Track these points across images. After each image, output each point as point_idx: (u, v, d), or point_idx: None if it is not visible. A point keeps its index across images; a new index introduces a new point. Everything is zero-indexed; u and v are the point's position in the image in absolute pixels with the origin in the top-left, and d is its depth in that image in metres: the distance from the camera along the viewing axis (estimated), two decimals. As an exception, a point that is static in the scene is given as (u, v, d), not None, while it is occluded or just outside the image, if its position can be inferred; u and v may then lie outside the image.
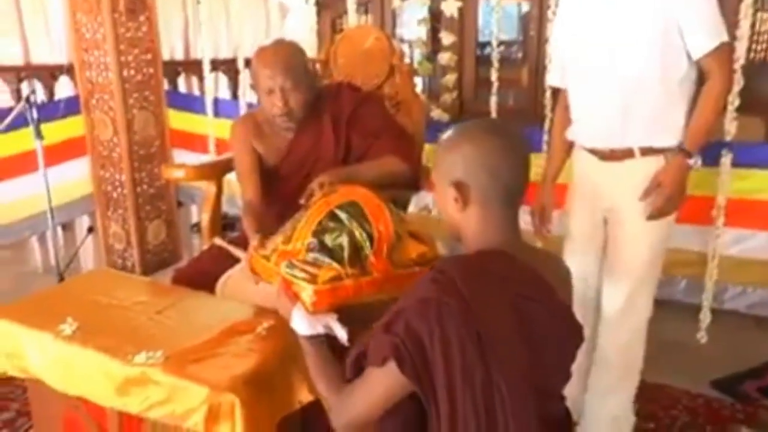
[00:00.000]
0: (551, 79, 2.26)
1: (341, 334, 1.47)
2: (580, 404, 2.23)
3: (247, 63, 3.73)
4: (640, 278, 2.05)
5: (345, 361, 1.32)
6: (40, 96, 4.03)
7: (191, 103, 4.47)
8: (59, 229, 4.06)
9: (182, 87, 4.95)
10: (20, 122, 2.77)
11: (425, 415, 1.22)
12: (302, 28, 4.08)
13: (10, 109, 2.89)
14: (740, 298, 3.04)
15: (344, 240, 1.58)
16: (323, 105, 2.22)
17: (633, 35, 1.86)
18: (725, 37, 1.86)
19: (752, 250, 2.93)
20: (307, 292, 1.49)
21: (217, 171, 2.49)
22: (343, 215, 1.62)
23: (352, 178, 2.04)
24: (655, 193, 1.92)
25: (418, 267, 1.66)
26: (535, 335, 1.20)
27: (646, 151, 1.94)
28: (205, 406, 1.46)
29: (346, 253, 1.57)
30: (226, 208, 2.94)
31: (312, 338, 1.44)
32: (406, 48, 4.03)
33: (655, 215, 1.93)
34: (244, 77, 4.08)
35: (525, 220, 2.19)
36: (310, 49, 3.67)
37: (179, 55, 5.02)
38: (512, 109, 3.71)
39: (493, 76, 3.34)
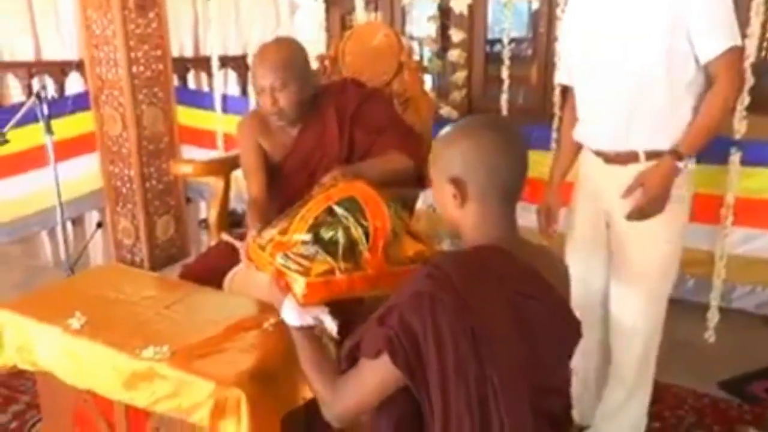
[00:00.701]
0: (560, 76, 2.21)
1: (331, 326, 1.49)
2: (590, 411, 2.22)
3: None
4: (651, 289, 2.00)
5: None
6: (51, 92, 4.05)
7: (200, 100, 4.49)
8: (69, 224, 4.09)
9: (191, 83, 4.97)
10: (30, 118, 2.79)
11: (420, 412, 1.22)
12: (311, 25, 4.09)
13: (21, 105, 2.91)
14: (748, 298, 3.03)
15: (340, 235, 1.59)
16: (328, 101, 2.22)
17: (643, 29, 1.82)
18: (738, 41, 1.80)
19: (761, 249, 2.92)
20: (299, 284, 1.50)
21: (225, 167, 2.50)
22: (340, 210, 1.62)
23: (357, 175, 2.06)
24: (637, 193, 1.87)
25: (414, 265, 1.64)
26: (533, 332, 1.20)
27: (651, 155, 1.88)
28: (211, 401, 1.47)
29: (340, 248, 1.58)
30: (234, 204, 2.95)
31: (303, 329, 1.45)
32: (415, 45, 4.03)
33: (634, 216, 1.88)
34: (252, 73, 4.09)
35: (531, 218, 2.20)
36: (319, 46, 3.68)
37: (189, 52, 5.05)
38: (521, 106, 3.70)
39: (504, 73, 3.34)
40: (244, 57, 4.28)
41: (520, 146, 1.30)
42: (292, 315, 1.47)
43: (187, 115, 4.34)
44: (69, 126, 3.80)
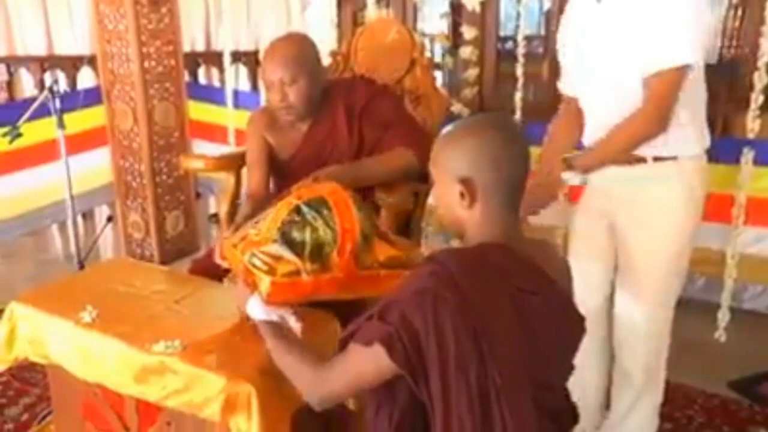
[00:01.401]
0: (564, 88, 2.12)
1: (296, 326, 1.52)
2: (598, 417, 2.21)
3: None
4: (657, 291, 1.95)
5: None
6: (63, 86, 4.07)
7: (211, 95, 4.49)
8: (79, 218, 4.10)
9: (202, 78, 4.98)
10: (43, 112, 2.80)
11: (419, 410, 1.23)
12: (322, 21, 4.09)
13: (33, 99, 2.92)
14: (760, 298, 3.02)
15: (307, 235, 1.60)
16: (338, 98, 2.23)
17: (624, 44, 1.76)
18: (688, 59, 1.68)
19: (773, 249, 2.89)
20: (264, 283, 1.53)
21: (236, 163, 2.50)
22: (307, 210, 1.63)
23: (360, 173, 2.08)
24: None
25: (384, 270, 1.66)
26: (534, 328, 1.20)
27: (658, 159, 1.84)
28: (223, 396, 1.48)
29: (307, 249, 1.59)
30: (244, 199, 2.96)
31: (270, 323, 1.48)
32: (426, 42, 4.02)
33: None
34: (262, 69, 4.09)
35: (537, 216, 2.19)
36: (331, 42, 3.68)
37: (200, 47, 5.05)
38: (533, 103, 3.68)
39: (519, 71, 3.32)
40: (255, 52, 4.28)
41: (523, 144, 1.30)
42: (257, 309, 1.51)
43: (197, 110, 4.35)
44: (80, 120, 3.82)
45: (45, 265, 3.84)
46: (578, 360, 1.35)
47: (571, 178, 1.80)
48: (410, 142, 2.15)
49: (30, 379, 2.62)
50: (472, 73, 3.69)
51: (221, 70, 4.49)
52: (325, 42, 3.53)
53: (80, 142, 3.76)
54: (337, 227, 1.61)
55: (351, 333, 1.26)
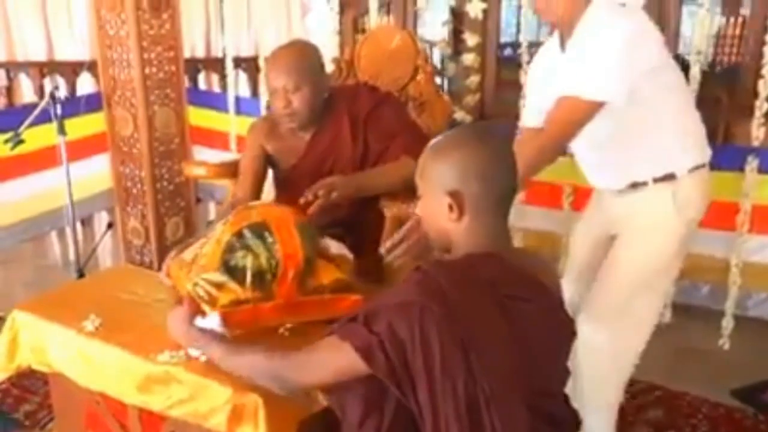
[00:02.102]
0: (525, 120, 2.10)
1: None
2: None
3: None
4: (623, 302, 1.90)
5: None
6: (62, 92, 4.06)
7: (211, 101, 4.48)
8: (78, 225, 4.09)
9: (202, 84, 4.97)
10: (43, 118, 2.79)
11: (407, 421, 1.22)
12: (323, 28, 4.09)
13: (34, 105, 2.91)
14: (764, 306, 3.00)
15: (248, 262, 1.60)
16: (341, 106, 2.22)
17: (571, 85, 1.76)
18: (596, 96, 1.70)
19: (777, 257, 2.89)
20: (214, 315, 1.55)
21: (237, 169, 2.48)
22: (250, 236, 1.62)
23: (364, 183, 2.09)
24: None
25: (329, 294, 1.66)
26: (526, 335, 1.20)
27: (658, 180, 1.85)
28: (229, 406, 1.46)
29: (248, 276, 1.59)
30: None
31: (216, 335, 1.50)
32: (426, 48, 4.02)
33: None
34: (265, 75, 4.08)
35: (532, 220, 2.19)
36: (332, 48, 3.67)
37: (200, 53, 5.05)
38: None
39: (522, 78, 3.29)
40: (255, 59, 4.27)
41: (510, 153, 1.31)
42: (206, 322, 1.53)
43: (198, 116, 4.33)
44: (79, 127, 3.80)
45: (44, 271, 3.82)
46: None
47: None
48: (415, 152, 2.13)
49: (30, 386, 2.60)
50: (474, 80, 3.69)
51: (221, 76, 4.48)
52: (326, 48, 3.52)
53: (80, 149, 3.75)
54: (278, 254, 1.60)
55: (332, 332, 1.27)
